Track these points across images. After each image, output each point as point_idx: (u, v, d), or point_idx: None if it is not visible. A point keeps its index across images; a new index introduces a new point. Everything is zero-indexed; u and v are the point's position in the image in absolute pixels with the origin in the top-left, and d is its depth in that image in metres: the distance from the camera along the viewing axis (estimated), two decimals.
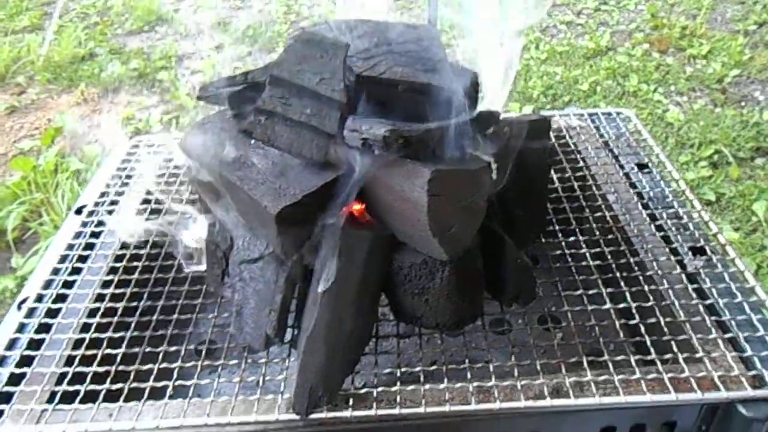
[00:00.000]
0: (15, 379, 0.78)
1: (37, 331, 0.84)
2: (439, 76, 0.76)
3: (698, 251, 0.88)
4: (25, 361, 0.80)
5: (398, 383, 0.74)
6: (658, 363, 0.73)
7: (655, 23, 3.27)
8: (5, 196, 2.19)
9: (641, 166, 1.05)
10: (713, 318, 0.78)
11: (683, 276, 0.84)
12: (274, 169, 0.67)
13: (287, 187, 0.65)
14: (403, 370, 0.76)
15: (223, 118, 0.75)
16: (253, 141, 0.70)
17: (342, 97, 0.67)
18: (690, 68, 2.91)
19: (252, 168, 0.68)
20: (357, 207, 0.79)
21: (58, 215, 2.07)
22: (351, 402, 0.72)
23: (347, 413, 0.71)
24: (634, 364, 0.73)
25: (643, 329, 0.77)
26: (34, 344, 0.82)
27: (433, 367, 0.76)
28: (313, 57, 0.68)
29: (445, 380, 0.73)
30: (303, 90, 0.67)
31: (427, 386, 0.73)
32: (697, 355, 0.74)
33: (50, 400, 0.75)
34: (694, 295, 0.81)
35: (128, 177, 1.12)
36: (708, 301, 0.80)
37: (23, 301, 0.89)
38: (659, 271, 0.85)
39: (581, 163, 1.07)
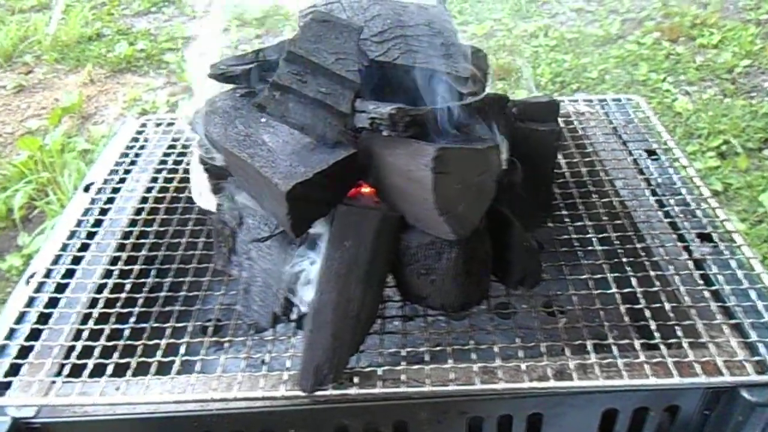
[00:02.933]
0: (24, 352, 0.79)
1: (45, 306, 0.84)
2: (450, 59, 0.76)
3: (705, 238, 0.88)
4: (34, 335, 0.81)
5: (403, 363, 0.74)
6: (663, 347, 0.73)
7: (666, 11, 3.24)
8: (12, 174, 2.20)
9: (650, 153, 1.04)
10: (718, 304, 0.78)
11: (689, 262, 0.84)
12: (285, 147, 0.67)
13: (298, 165, 0.65)
14: (408, 350, 0.76)
15: (233, 97, 0.75)
16: (264, 119, 0.70)
17: (356, 78, 0.67)
18: (700, 58, 2.89)
19: (263, 146, 0.68)
20: (366, 189, 0.79)
21: (65, 194, 2.08)
22: (356, 380, 0.72)
23: (352, 391, 0.71)
24: (638, 347, 0.74)
25: (648, 314, 0.78)
26: (43, 318, 0.83)
27: (438, 348, 0.77)
28: (328, 37, 0.68)
29: (450, 361, 0.74)
30: (319, 68, 0.67)
31: (432, 366, 0.73)
32: (702, 340, 0.74)
33: (59, 373, 0.76)
34: (700, 281, 0.82)
35: (136, 155, 1.13)
36: (714, 287, 0.80)
37: (32, 276, 0.90)
38: (665, 257, 0.85)
39: (590, 149, 1.06)
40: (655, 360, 0.72)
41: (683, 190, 0.96)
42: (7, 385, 0.74)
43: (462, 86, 0.73)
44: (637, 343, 0.74)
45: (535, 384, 0.71)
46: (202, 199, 0.91)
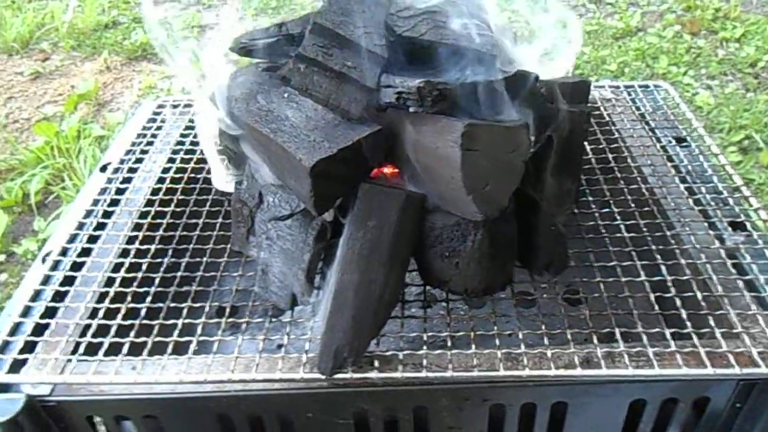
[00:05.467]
0: (39, 330, 0.78)
1: (61, 284, 0.83)
2: (478, 36, 0.73)
3: (738, 226, 0.85)
4: (49, 313, 0.80)
5: (424, 348, 0.72)
6: (694, 337, 0.71)
7: (687, 4, 3.18)
8: (29, 160, 2.20)
9: (679, 140, 1.01)
10: (752, 294, 0.76)
11: (722, 251, 0.81)
12: (309, 122, 0.65)
13: (322, 141, 0.63)
14: (429, 335, 0.74)
15: (255, 72, 0.74)
16: (286, 94, 0.68)
17: (384, 52, 0.65)
18: (722, 51, 2.83)
19: (285, 121, 0.66)
20: (388, 169, 0.77)
21: (81, 180, 2.08)
22: (376, 364, 0.71)
23: (373, 374, 0.70)
24: (669, 337, 0.71)
25: (678, 303, 0.75)
26: (59, 296, 0.82)
27: (460, 333, 0.75)
28: (356, 10, 0.66)
29: (473, 346, 0.72)
30: (345, 41, 0.65)
31: (454, 351, 0.71)
32: (735, 331, 0.71)
33: (74, 351, 0.75)
34: (732, 270, 0.79)
35: (153, 136, 1.11)
36: (747, 277, 0.78)
37: (47, 254, 0.89)
38: (696, 245, 0.82)
39: (616, 135, 1.04)
40: (686, 350, 0.69)
41: (714, 178, 0.93)
42: (22, 362, 0.73)
43: (490, 63, 0.70)
44: (667, 333, 0.72)
45: (561, 372, 0.69)
46: (220, 181, 0.90)
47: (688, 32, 2.98)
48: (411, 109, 0.66)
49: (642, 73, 2.69)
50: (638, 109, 1.11)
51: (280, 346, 0.77)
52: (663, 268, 0.79)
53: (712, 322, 0.72)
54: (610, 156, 0.99)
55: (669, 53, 2.81)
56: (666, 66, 2.72)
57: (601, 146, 1.02)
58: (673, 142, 1.01)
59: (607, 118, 1.08)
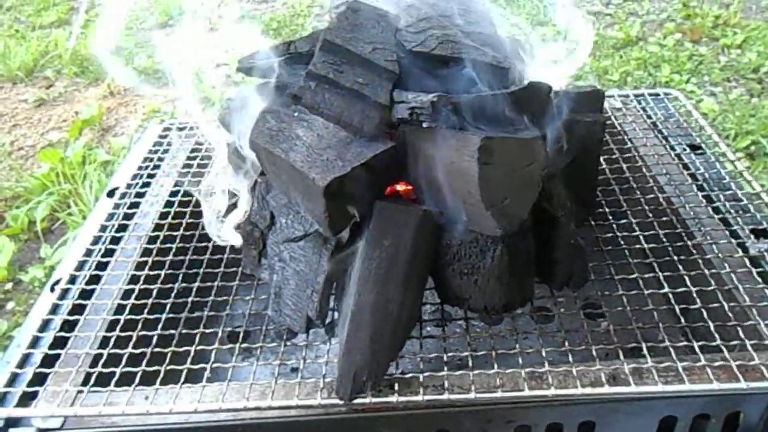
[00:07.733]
0: (49, 361, 0.76)
1: (70, 313, 0.82)
2: (488, 49, 0.72)
3: (761, 234, 0.83)
4: (59, 343, 0.78)
5: (445, 368, 0.70)
6: (724, 350, 0.68)
7: (686, 13, 3.18)
8: (34, 187, 2.19)
9: (694, 147, 1.00)
10: None
11: (746, 260, 0.79)
12: (321, 141, 0.64)
13: (335, 159, 0.62)
14: (449, 355, 0.72)
15: (264, 91, 0.73)
16: (296, 114, 0.67)
17: (395, 68, 0.64)
18: (724, 58, 2.83)
19: (297, 140, 0.64)
20: (403, 188, 0.76)
21: (87, 206, 2.07)
22: (396, 387, 0.68)
23: (393, 398, 0.67)
24: (698, 350, 0.69)
25: (705, 314, 0.73)
26: (68, 326, 0.80)
27: (481, 352, 0.73)
28: (365, 26, 0.65)
29: (495, 366, 0.70)
30: (356, 57, 0.64)
31: (476, 372, 0.69)
32: (766, 342, 0.69)
33: (85, 382, 0.73)
34: (759, 279, 0.77)
35: (160, 160, 1.10)
36: None
37: (56, 283, 0.87)
38: (719, 255, 0.80)
39: (629, 144, 1.02)
40: (717, 363, 0.67)
41: (733, 185, 0.91)
42: (33, 395, 0.71)
43: (503, 76, 0.69)
44: (696, 346, 0.69)
45: (588, 390, 0.67)
46: (213, 228, 0.86)
47: (689, 40, 2.98)
48: (424, 125, 0.65)
49: (645, 82, 2.68)
50: (649, 117, 1.09)
51: (294, 370, 0.75)
52: (686, 279, 0.77)
53: (741, 334, 0.70)
54: (624, 166, 0.98)
55: (671, 61, 2.80)
56: (668, 74, 2.71)
57: (614, 156, 1.00)
58: (688, 149, 1.00)
59: (619, 128, 1.07)
